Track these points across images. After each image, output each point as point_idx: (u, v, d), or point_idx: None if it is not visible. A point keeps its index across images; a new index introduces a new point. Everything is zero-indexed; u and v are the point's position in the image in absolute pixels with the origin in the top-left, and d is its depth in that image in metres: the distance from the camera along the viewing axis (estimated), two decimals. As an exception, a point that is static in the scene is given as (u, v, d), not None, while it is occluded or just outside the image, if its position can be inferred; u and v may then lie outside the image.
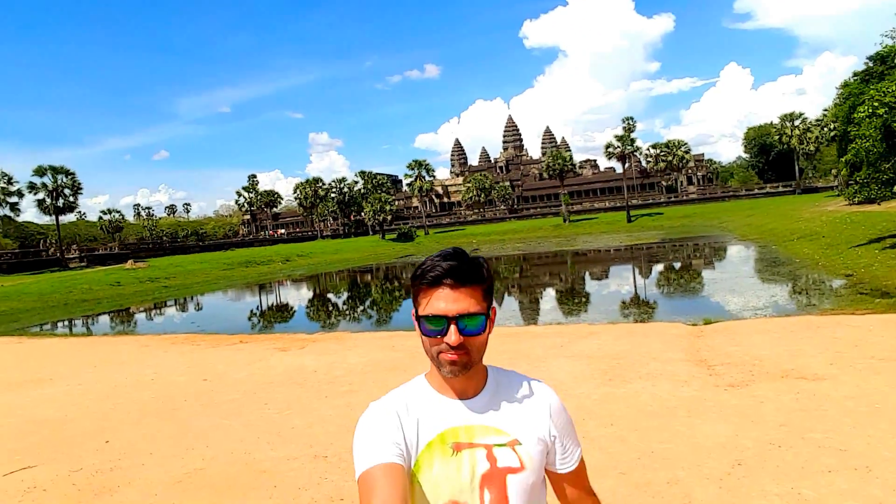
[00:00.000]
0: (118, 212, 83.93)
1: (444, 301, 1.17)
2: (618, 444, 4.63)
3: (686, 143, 72.85)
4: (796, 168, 70.46)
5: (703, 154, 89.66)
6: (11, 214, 49.42)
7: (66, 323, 23.76)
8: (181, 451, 5.45)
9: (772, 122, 76.57)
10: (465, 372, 1.20)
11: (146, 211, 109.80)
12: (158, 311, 27.21)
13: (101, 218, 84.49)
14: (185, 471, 4.95)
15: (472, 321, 1.17)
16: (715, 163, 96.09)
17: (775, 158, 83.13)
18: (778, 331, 8.39)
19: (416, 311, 1.23)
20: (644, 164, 78.06)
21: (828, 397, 5.19)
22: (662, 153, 73.00)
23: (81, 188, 51.69)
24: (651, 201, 79.34)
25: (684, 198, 79.08)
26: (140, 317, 25.45)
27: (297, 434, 5.69)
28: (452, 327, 1.16)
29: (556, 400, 1.30)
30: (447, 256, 1.20)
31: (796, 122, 67.13)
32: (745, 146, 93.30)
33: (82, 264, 50.28)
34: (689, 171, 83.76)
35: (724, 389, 5.72)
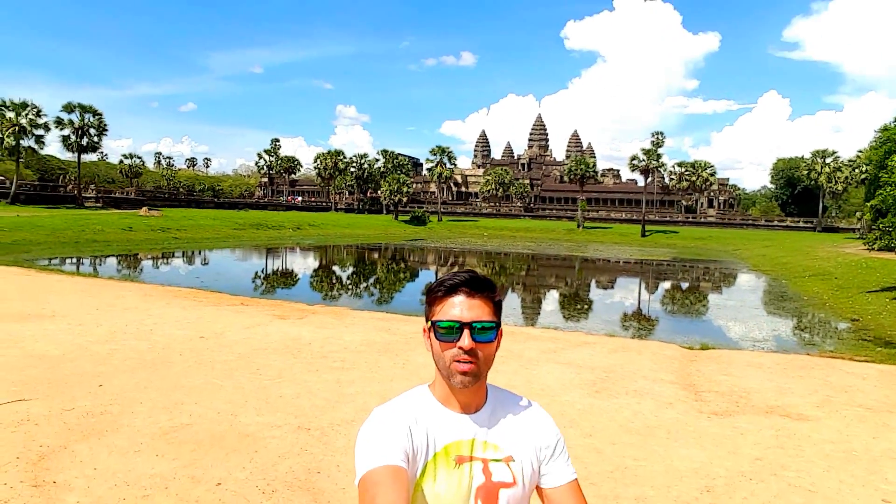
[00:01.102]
0: (139, 157, 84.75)
1: (459, 307, 1.23)
2: (593, 454, 4.70)
3: (712, 166, 72.07)
4: (820, 206, 69.58)
5: (727, 179, 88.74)
6: (36, 147, 49.82)
7: (75, 260, 24.14)
8: (170, 405, 5.59)
9: (803, 157, 75.29)
10: (475, 383, 1.24)
11: (167, 160, 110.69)
12: (165, 262, 27.54)
13: (121, 161, 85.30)
14: (171, 424, 5.09)
15: (485, 329, 1.23)
16: (738, 189, 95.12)
17: (800, 193, 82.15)
18: (772, 366, 8.41)
19: (430, 321, 1.28)
20: (667, 180, 77.35)
21: (808, 438, 5.23)
22: (687, 172, 72.34)
23: (107, 129, 52.11)
24: (668, 219, 78.83)
25: (702, 220, 78.48)
26: (147, 264, 25.80)
27: (285, 403, 5.82)
28: (466, 332, 1.21)
29: (550, 422, 1.36)
30: (462, 272, 1.29)
31: (828, 160, 66.10)
32: (772, 177, 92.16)
33: (98, 205, 50.83)
34: (712, 193, 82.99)
35: (706, 416, 5.77)
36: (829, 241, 47.77)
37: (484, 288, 1.27)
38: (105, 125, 51.91)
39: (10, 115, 46.33)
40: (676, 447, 4.93)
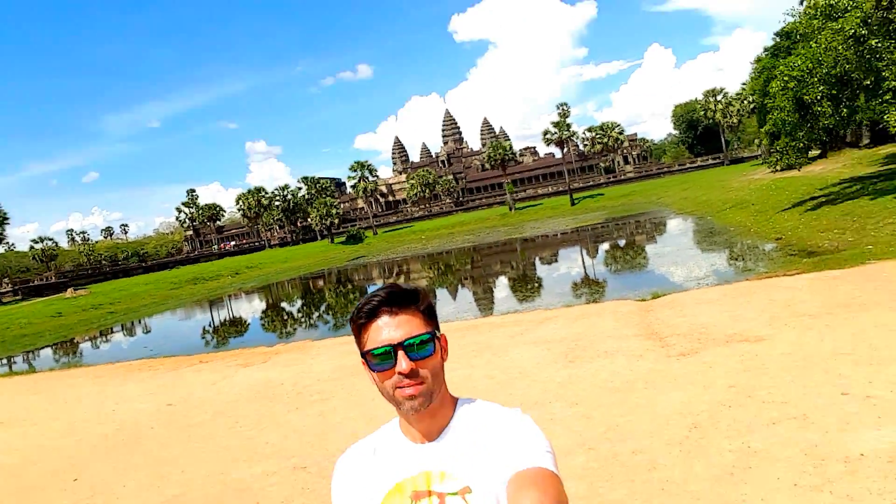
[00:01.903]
0: (51, 239, 79.54)
1: (385, 329, 1.12)
2: (583, 421, 4.92)
3: (619, 125, 75.21)
4: (723, 141, 73.95)
5: (635, 134, 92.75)
6: (-71, 252, 46.30)
7: (6, 361, 22.55)
8: (156, 480, 5.41)
9: (696, 99, 79.88)
10: (428, 405, 1.13)
11: (81, 235, 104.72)
12: (105, 340, 26.15)
13: (31, 247, 79.78)
14: (162, 499, 4.94)
15: (420, 344, 1.12)
16: (648, 141, 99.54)
17: (703, 133, 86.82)
18: (720, 298, 8.97)
19: (361, 351, 1.16)
20: (581, 147, 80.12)
21: (768, 356, 5.65)
22: (598, 136, 75.11)
23: (8, 219, 49.15)
24: (591, 183, 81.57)
25: (622, 177, 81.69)
26: (86, 346, 24.41)
27: (273, 449, 5.74)
28: (401, 353, 1.10)
29: (530, 436, 1.11)
30: (378, 291, 1.16)
31: (718, 98, 70.37)
32: (674, 123, 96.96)
33: (17, 297, 47.61)
34: (625, 151, 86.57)
35: (675, 359, 6.13)
36: (738, 172, 50.84)
37: (406, 300, 1.14)
38: (5, 214, 48.88)
39: None
40: (656, 395, 5.23)
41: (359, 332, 1.16)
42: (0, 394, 12.62)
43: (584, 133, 76.50)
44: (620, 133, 75.30)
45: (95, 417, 8.46)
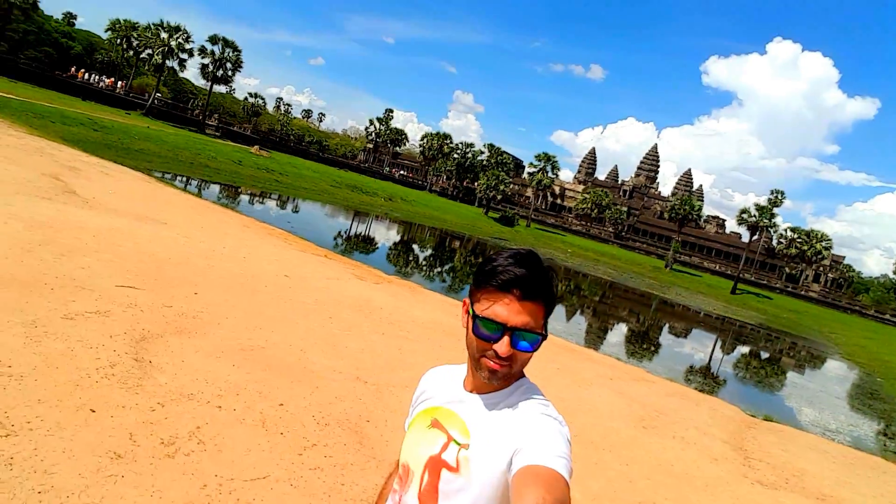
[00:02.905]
0: (262, 98, 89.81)
1: (507, 310, 1.13)
2: (625, 483, 4.75)
3: (829, 239, 66.74)
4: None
5: (843, 257, 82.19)
6: (177, 68, 54.20)
7: (185, 179, 26.18)
8: (251, 327, 6.14)
9: (937, 252, 68.35)
10: (502, 383, 1.19)
11: (286, 107, 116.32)
12: (262, 201, 29.28)
13: (246, 99, 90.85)
14: (250, 343, 5.61)
15: (529, 337, 1.14)
16: (854, 271, 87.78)
17: (924, 290, 74.81)
18: (837, 457, 7.95)
19: (472, 307, 1.19)
20: (774, 243, 72.69)
21: (854, 537, 5.00)
22: (799, 239, 67.49)
23: (241, 66, 55.64)
24: (765, 283, 74.17)
25: (802, 292, 73.34)
26: (245, 198, 27.57)
27: (349, 354, 6.23)
28: (506, 338, 1.13)
29: (553, 435, 1.11)
30: (521, 261, 1.15)
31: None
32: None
33: (217, 134, 54.59)
34: (821, 268, 77.30)
35: (750, 483, 5.63)
36: (941, 351, 43.28)
37: (539, 293, 1.14)
38: (241, 62, 55.42)
39: (164, 35, 50.57)
40: (710, 501, 4.88)
41: (480, 287, 1.18)
42: (174, 201, 14.79)
43: (784, 230, 69.27)
44: (826, 248, 66.90)
45: (231, 256, 9.66)
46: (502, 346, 1.13)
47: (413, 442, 1.26)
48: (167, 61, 51.33)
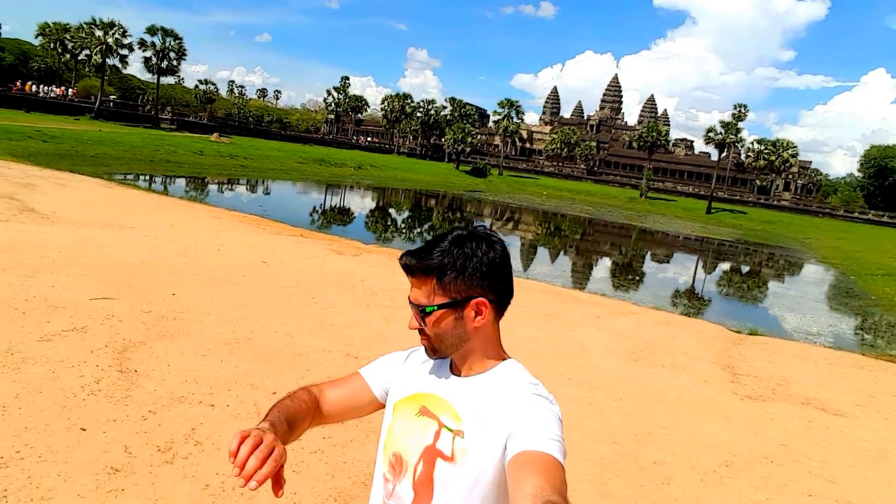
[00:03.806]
0: (213, 84, 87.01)
1: (411, 287, 1.23)
2: (620, 417, 4.90)
3: (795, 146, 67.56)
4: (911, 201, 64.62)
5: (810, 162, 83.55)
6: (119, 66, 51.90)
7: (148, 178, 25.54)
8: (234, 320, 6.10)
9: (903, 145, 69.45)
10: (436, 357, 1.25)
11: (239, 89, 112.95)
12: (230, 188, 28.77)
13: (196, 87, 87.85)
14: (235, 336, 5.58)
15: (422, 311, 1.20)
16: (821, 174, 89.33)
17: (891, 185, 76.42)
18: (819, 360, 8.27)
19: None
20: (743, 157, 73.37)
21: (840, 434, 5.25)
22: (766, 151, 68.24)
23: (186, 54, 53.52)
24: (738, 198, 75.32)
25: (775, 203, 74.65)
26: (213, 188, 27.03)
27: (336, 331, 6.24)
28: (413, 311, 1.21)
29: (543, 417, 1.11)
30: (411, 251, 1.23)
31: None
32: (862, 164, 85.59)
33: (172, 127, 52.91)
34: (790, 176, 78.50)
35: (740, 398, 5.85)
36: (912, 241, 44.78)
37: (417, 270, 1.20)
38: (184, 50, 53.27)
39: (99, 33, 48.20)
40: (703, 422, 5.07)
41: None
42: (138, 204, 14.45)
43: (752, 143, 69.89)
44: (793, 156, 67.82)
45: (204, 251, 9.52)
46: (412, 321, 1.22)
47: (402, 431, 1.24)
48: (107, 60, 49.08)
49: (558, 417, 1.13)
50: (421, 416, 1.22)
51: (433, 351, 1.23)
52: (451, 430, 1.16)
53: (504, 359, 1.25)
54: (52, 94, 49.48)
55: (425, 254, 1.20)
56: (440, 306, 1.18)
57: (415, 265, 1.20)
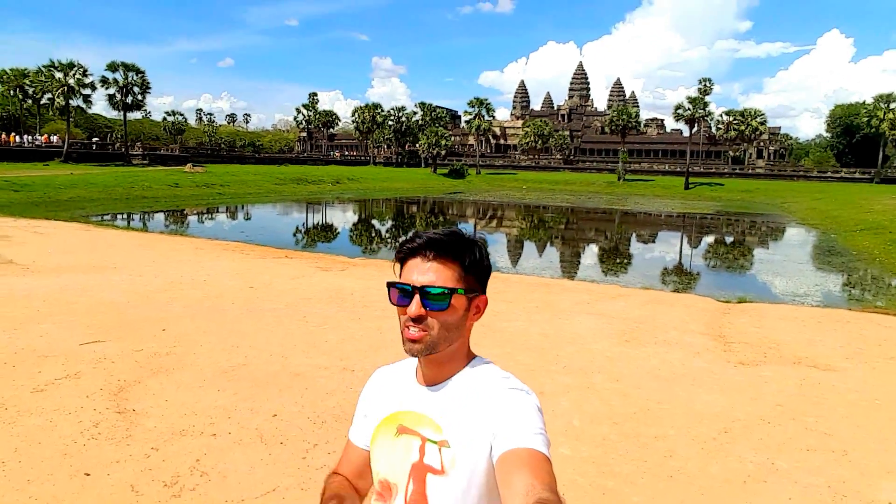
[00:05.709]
0: (181, 114, 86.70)
1: (415, 271, 1.14)
2: (618, 397, 4.98)
3: (763, 114, 68.48)
4: (881, 155, 65.70)
5: (779, 128, 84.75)
6: (84, 106, 51.38)
7: (125, 216, 25.31)
8: (227, 348, 6.10)
9: (864, 102, 70.46)
10: (428, 354, 1.15)
11: (208, 117, 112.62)
12: (211, 217, 28.59)
13: (164, 119, 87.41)
14: (230, 364, 5.59)
15: (438, 296, 1.12)
16: (791, 138, 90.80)
17: (859, 142, 77.69)
18: (806, 319, 8.44)
19: (389, 281, 1.20)
20: (713, 130, 74.33)
21: (832, 388, 5.37)
22: (735, 121, 69.18)
23: (150, 87, 53.02)
24: (713, 171, 76.21)
25: (750, 171, 75.58)
26: (193, 219, 26.86)
27: (330, 347, 6.26)
28: (416, 298, 1.12)
29: (525, 411, 1.10)
30: (428, 231, 1.19)
31: (892, 105, 61.95)
32: (829, 125, 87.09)
33: (144, 162, 52.45)
34: (761, 143, 79.57)
35: (733, 366, 5.96)
36: (887, 194, 45.46)
37: (446, 251, 1.14)
38: (148, 83, 52.78)
39: (59, 75, 47.58)
40: (700, 393, 5.16)
41: (399, 262, 1.20)
42: (119, 244, 14.33)
43: (720, 115, 70.82)
44: (762, 123, 68.77)
45: (190, 283, 9.49)
46: (412, 307, 1.12)
47: (385, 454, 1.21)
48: (71, 101, 48.55)
49: (537, 408, 1.12)
50: (400, 434, 1.19)
51: (429, 346, 1.14)
52: (435, 443, 1.14)
53: (472, 357, 1.24)
54: (36, 143, 48.76)
55: (454, 240, 1.16)
56: (467, 290, 1.15)
57: (444, 244, 1.14)
